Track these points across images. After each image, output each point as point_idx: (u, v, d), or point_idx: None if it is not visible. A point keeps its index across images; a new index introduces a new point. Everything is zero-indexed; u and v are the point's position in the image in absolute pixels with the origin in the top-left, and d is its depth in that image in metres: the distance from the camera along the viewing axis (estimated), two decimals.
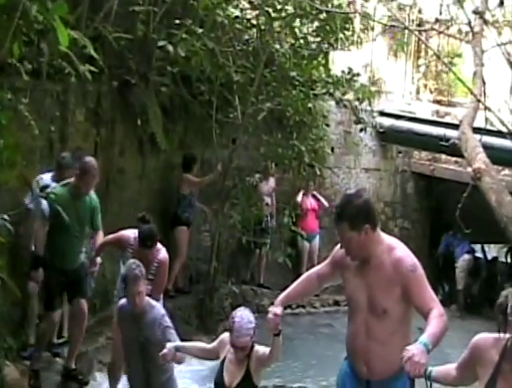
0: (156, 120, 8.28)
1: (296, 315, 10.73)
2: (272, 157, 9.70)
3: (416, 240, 12.88)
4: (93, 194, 6.16)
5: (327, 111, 11.15)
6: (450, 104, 13.51)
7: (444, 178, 12.36)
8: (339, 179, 12.06)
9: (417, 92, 13.57)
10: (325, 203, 11.16)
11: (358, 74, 10.21)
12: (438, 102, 13.60)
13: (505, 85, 12.17)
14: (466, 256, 12.11)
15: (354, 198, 3.60)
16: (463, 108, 11.52)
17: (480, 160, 8.85)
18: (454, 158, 12.07)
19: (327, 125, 11.10)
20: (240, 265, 10.79)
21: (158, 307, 5.01)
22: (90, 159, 6.07)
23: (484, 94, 10.31)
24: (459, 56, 12.61)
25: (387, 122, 12.16)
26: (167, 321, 4.92)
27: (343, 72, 10.07)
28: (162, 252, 5.73)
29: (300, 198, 10.91)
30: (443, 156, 12.44)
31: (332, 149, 11.60)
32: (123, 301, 5.05)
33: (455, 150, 10.25)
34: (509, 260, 12.71)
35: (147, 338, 4.88)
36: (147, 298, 4.96)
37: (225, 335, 4.55)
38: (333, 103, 11.08)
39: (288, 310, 10.79)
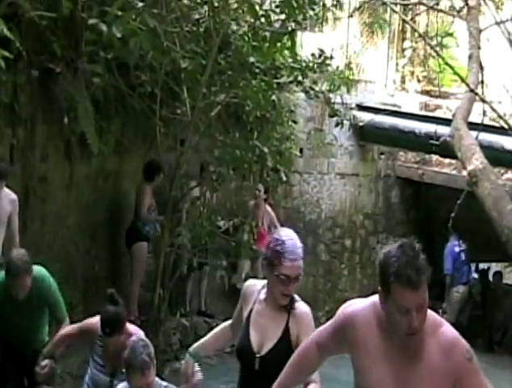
0: (86, 117, 8.23)
1: None
2: (229, 160, 9.73)
3: None
4: (41, 281, 5.85)
5: (294, 104, 11.24)
6: (441, 95, 13.76)
7: (435, 183, 12.58)
8: (309, 186, 12.19)
9: (402, 81, 13.80)
10: (273, 216, 11.23)
11: (331, 57, 10.30)
12: (427, 92, 13.84)
13: (507, 71, 12.43)
14: (461, 288, 12.33)
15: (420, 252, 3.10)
16: (456, 100, 11.74)
17: (477, 161, 9.05)
18: (447, 160, 12.30)
19: (294, 122, 11.18)
20: (190, 292, 10.84)
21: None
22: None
23: (482, 82, 10.54)
24: (451, 35, 12.86)
25: (366, 117, 12.34)
26: None
27: (313, 55, 10.16)
28: (136, 334, 5.34)
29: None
30: (434, 157, 12.66)
31: (301, 151, 11.73)
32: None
33: (447, 150, 10.46)
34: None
35: None
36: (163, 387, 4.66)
37: (247, 285, 4.28)
38: (301, 95, 11.14)
39: None
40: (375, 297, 3.10)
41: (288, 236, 4.03)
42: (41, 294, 5.80)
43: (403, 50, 13.78)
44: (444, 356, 3.01)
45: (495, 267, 14.35)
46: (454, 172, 12.31)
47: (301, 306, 4.09)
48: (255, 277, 11.14)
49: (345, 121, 11.17)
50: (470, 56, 10.88)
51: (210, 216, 9.83)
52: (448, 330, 3.10)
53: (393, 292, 2.92)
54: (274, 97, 10.11)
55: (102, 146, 8.63)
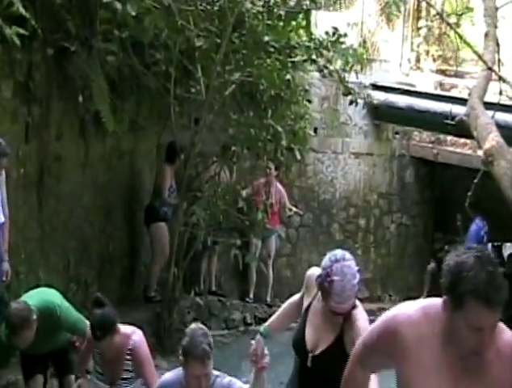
0: (101, 95, 8.20)
1: None
2: (243, 140, 9.69)
3: (416, 239, 13.06)
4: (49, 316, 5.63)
5: (309, 84, 11.19)
6: (457, 75, 13.65)
7: (450, 163, 12.50)
8: (323, 166, 12.14)
9: (417, 60, 13.69)
10: (284, 194, 11.20)
11: (345, 35, 10.23)
12: (443, 72, 13.73)
13: None
14: None
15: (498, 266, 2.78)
16: (472, 79, 11.64)
17: (493, 140, 8.97)
18: (462, 140, 12.21)
19: (309, 101, 11.12)
20: (204, 271, 10.85)
21: (223, 377, 4.47)
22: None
23: (499, 61, 10.44)
24: (470, 10, 12.69)
25: (381, 96, 12.26)
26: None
27: (327, 33, 10.09)
28: (133, 338, 5.23)
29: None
30: (449, 137, 12.57)
31: (315, 130, 11.67)
32: (171, 376, 4.55)
33: (462, 130, 10.37)
34: None
35: None
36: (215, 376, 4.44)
37: (311, 273, 4.17)
38: (316, 74, 11.10)
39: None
40: (423, 303, 2.86)
41: (339, 275, 3.81)
42: (52, 327, 5.66)
43: (418, 29, 13.66)
44: (510, 367, 2.73)
45: (510, 247, 14.24)
46: (469, 152, 12.21)
47: (358, 314, 3.99)
48: (268, 256, 11.23)
49: (359, 100, 11.09)
50: (486, 34, 10.77)
51: (224, 195, 9.81)
52: (509, 336, 2.80)
53: (467, 308, 2.62)
54: (288, 76, 10.05)
55: (117, 125, 8.60)
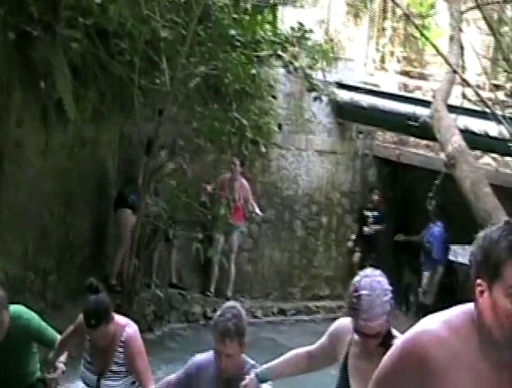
0: (64, 83, 8.08)
1: None
2: (207, 132, 9.61)
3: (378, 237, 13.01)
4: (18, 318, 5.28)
5: (274, 79, 11.12)
6: (421, 77, 13.64)
7: (412, 164, 12.49)
8: (287, 162, 12.07)
9: (382, 61, 13.66)
10: (249, 189, 11.11)
11: (310, 31, 10.23)
12: (407, 73, 13.72)
13: (487, 55, 12.33)
14: (439, 269, 12.27)
15: None
16: (436, 82, 11.64)
17: (456, 143, 8.97)
18: (424, 142, 12.21)
19: (274, 97, 11.06)
20: (165, 264, 10.74)
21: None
22: None
23: (463, 65, 10.45)
24: (433, 7, 12.70)
25: (346, 95, 12.21)
26: None
27: (293, 29, 10.05)
28: (127, 329, 4.91)
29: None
30: (412, 138, 12.56)
31: (279, 127, 11.58)
32: (205, 355, 4.41)
33: (425, 131, 10.39)
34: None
35: None
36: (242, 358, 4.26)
37: (340, 323, 3.89)
38: (281, 70, 11.03)
39: None
40: (444, 317, 2.42)
41: (367, 289, 3.49)
42: (21, 331, 5.48)
43: (383, 29, 13.65)
44: None
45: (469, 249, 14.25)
46: (431, 154, 12.21)
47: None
48: (231, 251, 11.14)
49: (323, 97, 11.06)
50: (451, 38, 10.79)
51: (187, 188, 9.73)
52: None
53: (506, 274, 2.30)
54: (253, 71, 10.03)
55: (79, 113, 8.48)
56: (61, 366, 5.33)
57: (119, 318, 4.94)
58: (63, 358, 5.34)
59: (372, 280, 3.52)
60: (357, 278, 3.56)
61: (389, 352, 2.47)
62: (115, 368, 4.81)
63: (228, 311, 4.11)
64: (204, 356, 4.33)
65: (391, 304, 3.53)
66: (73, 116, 8.33)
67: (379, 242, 12.62)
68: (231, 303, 4.35)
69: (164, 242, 10.36)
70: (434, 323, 2.39)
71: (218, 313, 4.15)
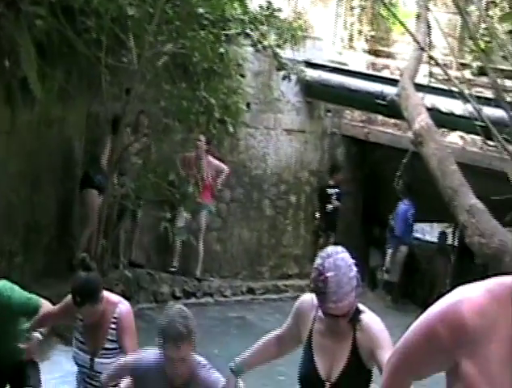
0: (29, 61, 7.97)
1: (202, 306, 10.68)
2: (175, 111, 9.53)
3: (346, 216, 13.04)
4: None
5: (242, 58, 11.02)
6: (389, 56, 13.64)
7: (380, 143, 12.52)
8: (256, 141, 12.01)
9: (351, 40, 13.63)
10: (225, 167, 11.06)
11: (279, 10, 10.20)
12: (375, 52, 13.71)
13: (454, 34, 12.36)
14: (403, 248, 12.34)
15: None
16: (404, 61, 11.64)
17: (423, 121, 8.98)
18: (392, 120, 12.24)
19: (242, 76, 10.96)
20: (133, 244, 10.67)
21: (209, 370, 4.12)
22: None
23: (430, 44, 10.44)
24: None
25: (314, 74, 12.17)
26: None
27: (261, 7, 10.00)
28: (120, 306, 4.84)
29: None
30: (380, 117, 12.58)
31: (248, 105, 11.52)
32: (150, 355, 4.24)
33: (393, 110, 10.40)
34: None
35: None
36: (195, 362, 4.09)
37: (302, 300, 3.81)
38: (249, 49, 10.95)
39: (193, 300, 10.77)
40: (488, 285, 2.26)
41: (332, 270, 3.36)
42: (3, 308, 5.40)
43: (352, 8, 13.61)
44: None
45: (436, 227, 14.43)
46: (399, 133, 12.24)
47: (368, 317, 3.55)
48: (199, 230, 11.08)
49: (292, 75, 11.02)
50: (418, 16, 10.79)
51: (154, 167, 9.66)
52: None
53: None
54: (222, 49, 9.91)
55: (46, 92, 8.36)
56: (37, 335, 5.23)
57: (112, 296, 4.86)
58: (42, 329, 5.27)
59: (335, 259, 3.40)
60: (319, 260, 3.43)
61: (421, 319, 2.31)
62: (108, 345, 4.74)
63: (174, 314, 3.98)
64: (151, 354, 4.18)
65: (357, 278, 3.44)
66: (39, 95, 8.23)
67: (337, 219, 12.69)
68: (173, 305, 4.22)
69: (130, 222, 10.29)
70: (475, 290, 2.25)
71: (163, 318, 3.97)
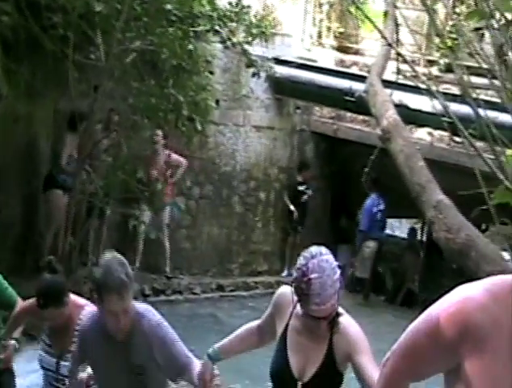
0: None
1: (172, 303, 10.64)
2: (144, 108, 9.46)
3: (315, 212, 13.06)
4: None
5: (211, 55, 10.99)
6: (357, 52, 13.69)
7: (349, 139, 12.56)
8: (225, 138, 11.99)
9: (319, 36, 13.65)
10: (183, 160, 10.97)
11: (248, 6, 10.19)
12: (344, 49, 13.74)
13: (421, 31, 12.42)
14: (371, 243, 12.39)
15: None
16: (372, 57, 11.68)
17: (390, 118, 9.01)
18: (360, 117, 12.28)
19: (211, 73, 10.94)
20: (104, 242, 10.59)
21: (150, 314, 3.89)
22: None
23: (398, 41, 10.47)
24: None
25: (283, 71, 12.17)
26: (169, 332, 3.86)
27: (231, 4, 9.98)
28: (87, 309, 4.63)
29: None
30: (348, 114, 12.62)
31: (217, 102, 11.48)
32: (88, 316, 4.10)
33: (361, 106, 10.42)
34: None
35: (140, 366, 3.88)
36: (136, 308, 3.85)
37: (282, 293, 3.66)
38: (218, 46, 10.92)
39: (162, 297, 10.72)
40: (486, 285, 2.30)
41: (316, 272, 3.28)
42: None
43: (320, 5, 13.63)
44: None
45: (405, 223, 14.52)
46: (367, 129, 12.28)
47: (345, 320, 3.48)
48: (161, 228, 11.00)
49: (261, 72, 11.00)
50: (386, 13, 10.83)
51: (124, 165, 9.59)
52: None
53: None
54: (190, 46, 9.85)
55: (11, 89, 8.25)
56: (12, 343, 5.15)
57: (78, 299, 4.73)
58: (17, 333, 5.18)
59: (320, 260, 3.31)
60: (302, 261, 3.34)
61: (422, 320, 2.33)
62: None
63: (112, 263, 3.66)
64: (87, 322, 4.01)
65: (340, 281, 3.37)
66: (5, 91, 8.15)
67: (306, 215, 12.72)
68: (108, 255, 3.80)
69: (97, 219, 10.21)
70: (475, 289, 2.29)
71: (100, 270, 3.66)
